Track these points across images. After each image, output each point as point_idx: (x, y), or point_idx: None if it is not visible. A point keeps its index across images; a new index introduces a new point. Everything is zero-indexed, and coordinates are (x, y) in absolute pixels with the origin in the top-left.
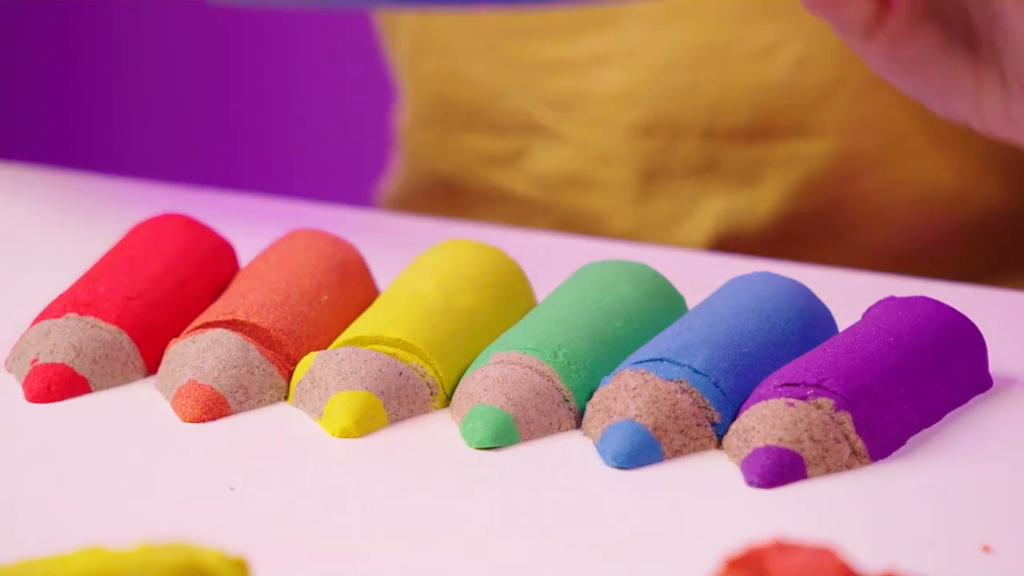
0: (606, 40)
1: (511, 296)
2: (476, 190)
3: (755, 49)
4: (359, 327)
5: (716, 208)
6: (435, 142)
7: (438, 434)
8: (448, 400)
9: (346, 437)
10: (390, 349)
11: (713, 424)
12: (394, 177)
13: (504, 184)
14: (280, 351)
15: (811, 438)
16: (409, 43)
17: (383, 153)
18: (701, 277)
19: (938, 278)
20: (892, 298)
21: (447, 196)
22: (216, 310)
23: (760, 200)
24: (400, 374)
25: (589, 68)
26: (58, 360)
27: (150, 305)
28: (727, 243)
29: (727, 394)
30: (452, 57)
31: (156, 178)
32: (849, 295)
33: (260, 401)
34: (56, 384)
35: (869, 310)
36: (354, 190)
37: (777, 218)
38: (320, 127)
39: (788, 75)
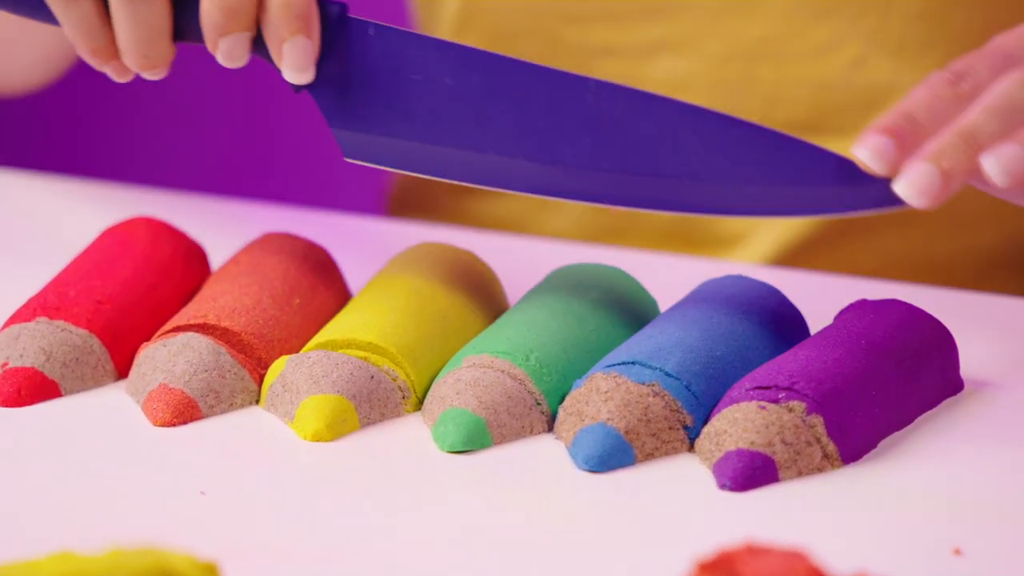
0: (661, 29)
1: (483, 299)
2: None
3: (812, 46)
4: (331, 331)
5: None
6: None
7: (410, 438)
8: (420, 404)
9: (318, 441)
10: (362, 353)
11: (685, 427)
12: None
13: None
14: (251, 355)
15: (783, 441)
16: (453, 23)
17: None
18: (673, 280)
19: (986, 289)
20: (864, 301)
21: None
22: (187, 314)
23: None
24: (372, 378)
25: (643, 55)
26: (28, 364)
27: (121, 309)
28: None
29: (699, 397)
30: (499, 39)
31: (127, 181)
32: (823, 299)
33: (231, 405)
34: (26, 388)
35: (841, 313)
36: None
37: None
38: (295, 128)
39: (844, 74)
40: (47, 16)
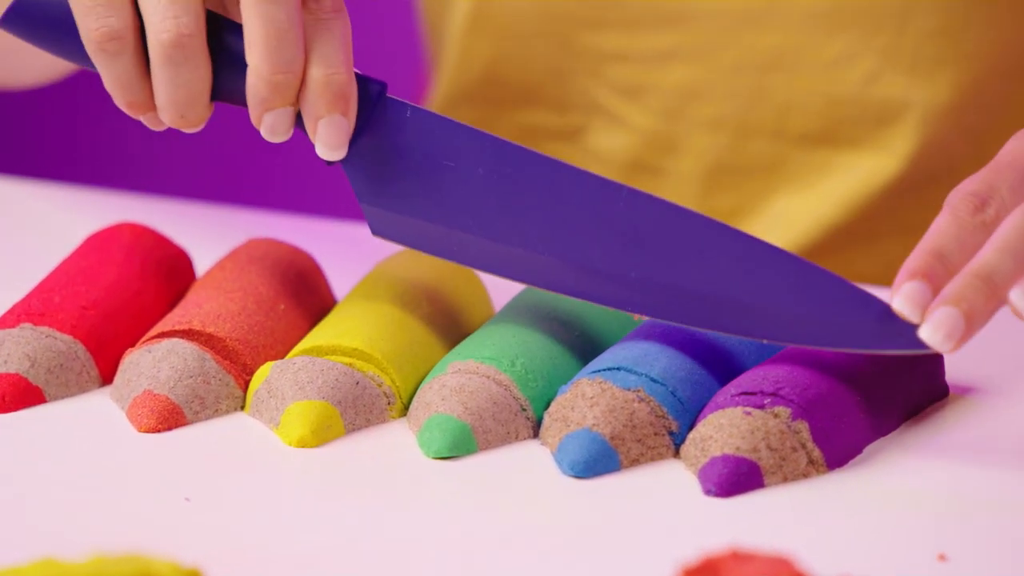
0: (674, 37)
1: (469, 305)
2: None
3: (826, 60)
4: (316, 336)
5: (778, 207)
6: (479, 117)
7: (395, 444)
8: (405, 409)
9: (303, 447)
10: (347, 359)
11: (671, 433)
12: None
13: (560, 155)
14: (236, 361)
15: (768, 447)
16: (464, 23)
17: None
18: None
19: None
20: None
21: None
22: (172, 319)
23: (818, 204)
24: (357, 383)
25: (655, 62)
26: (12, 370)
27: (105, 315)
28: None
29: (684, 403)
30: (511, 39)
31: (112, 186)
32: None
33: (216, 411)
34: (10, 394)
35: None
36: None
37: (830, 224)
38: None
39: (857, 89)
40: (86, 62)
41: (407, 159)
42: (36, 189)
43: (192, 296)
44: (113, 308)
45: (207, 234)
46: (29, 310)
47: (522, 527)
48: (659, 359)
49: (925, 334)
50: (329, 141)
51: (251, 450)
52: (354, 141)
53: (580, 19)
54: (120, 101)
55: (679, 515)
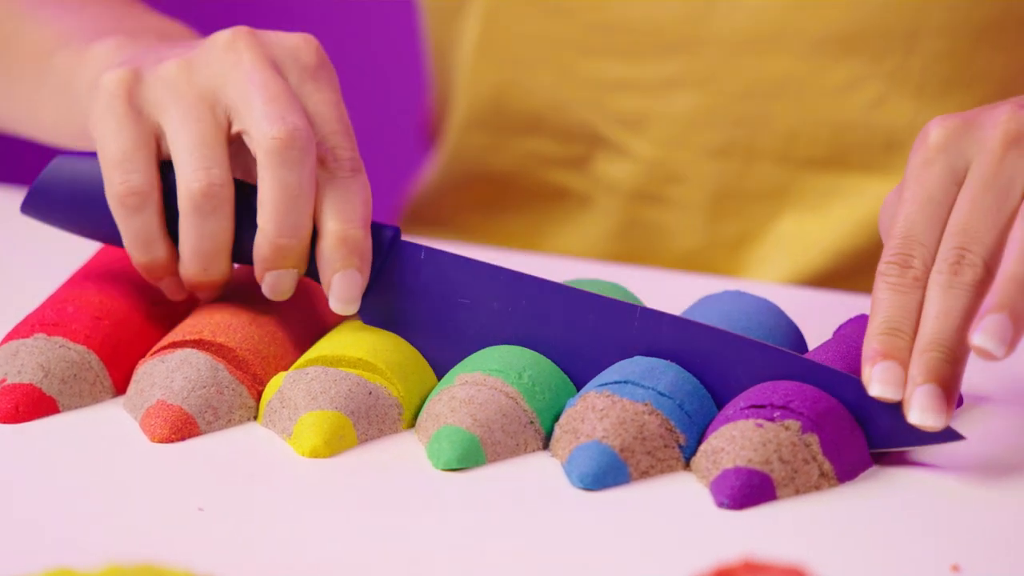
0: (678, 65)
1: None
2: (532, 187)
3: (833, 85)
4: (322, 347)
5: (785, 232)
6: (488, 143)
7: (405, 455)
8: (412, 420)
9: (315, 457)
10: (352, 369)
11: (680, 446)
12: (430, 173)
13: (564, 183)
14: (247, 370)
15: (780, 459)
16: (471, 49)
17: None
18: (673, 294)
19: None
20: (862, 316)
21: (496, 192)
22: (183, 329)
23: (826, 229)
24: (370, 394)
25: (659, 90)
26: (26, 380)
27: (119, 325)
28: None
29: (692, 416)
30: (517, 67)
31: None
32: (821, 314)
33: (229, 421)
34: (24, 404)
35: (839, 328)
36: None
37: (838, 249)
38: None
39: (864, 113)
40: (106, 237)
41: (422, 300)
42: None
43: (204, 306)
44: (126, 318)
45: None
46: (43, 320)
47: (532, 539)
48: (666, 373)
49: (915, 418)
50: (343, 295)
51: (264, 460)
52: (369, 287)
53: (584, 47)
54: (139, 260)
55: (691, 527)
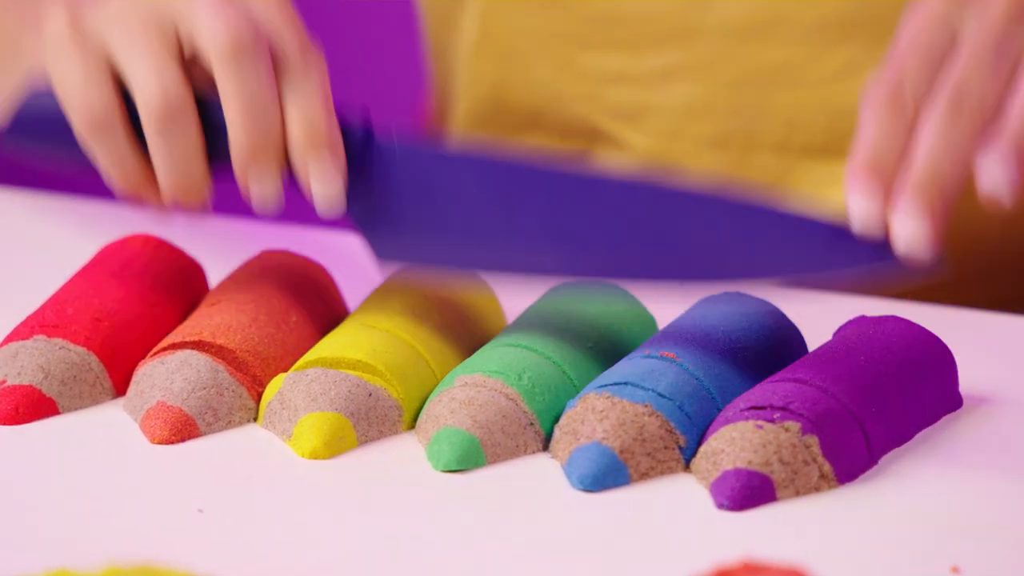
0: (675, 55)
1: (480, 316)
2: None
3: (829, 72)
4: (321, 349)
5: None
6: (488, 140)
7: (405, 456)
8: (412, 422)
9: (315, 459)
10: (352, 371)
11: (679, 447)
12: None
13: None
14: (247, 372)
15: (780, 460)
16: (470, 46)
17: None
18: (674, 297)
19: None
20: (863, 317)
21: None
22: (183, 331)
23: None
24: (370, 395)
25: (657, 81)
26: (26, 382)
27: (119, 326)
28: None
29: (692, 417)
30: (515, 63)
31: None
32: (821, 315)
33: (229, 423)
34: (24, 406)
35: (840, 330)
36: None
37: None
38: None
39: (861, 100)
40: (76, 162)
41: (403, 196)
42: (50, 201)
43: (204, 308)
44: (126, 320)
45: (220, 246)
46: (43, 322)
47: (532, 540)
48: (666, 375)
49: (898, 225)
50: (322, 189)
51: (263, 462)
52: (349, 188)
53: (581, 39)
54: (119, 182)
55: (691, 528)
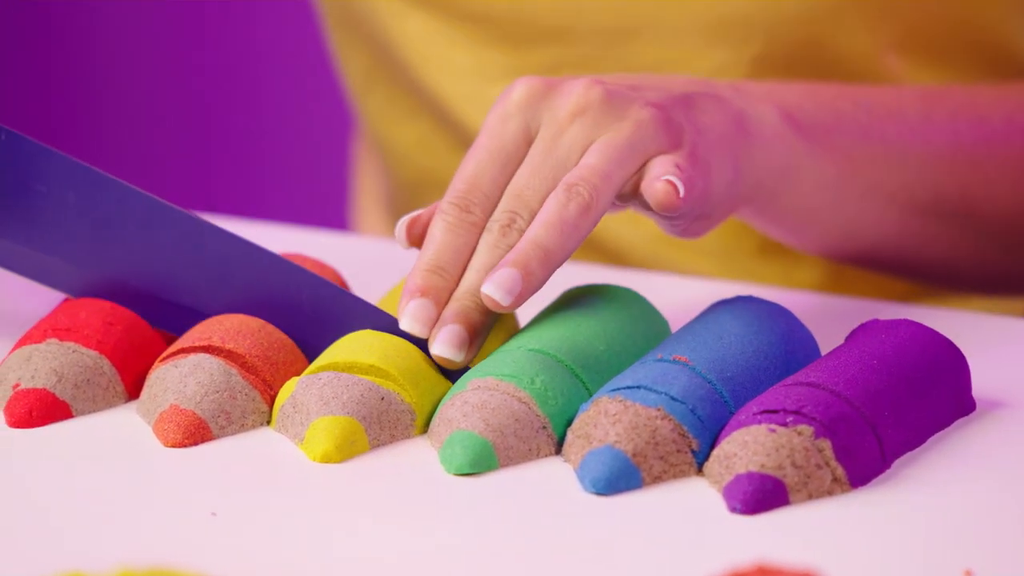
0: (555, 53)
1: (493, 319)
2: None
3: (704, 71)
4: (333, 353)
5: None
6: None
7: (417, 460)
8: (424, 426)
9: (327, 462)
10: (365, 375)
11: (692, 451)
12: (376, 186)
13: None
14: (258, 376)
15: (793, 464)
16: (366, 63)
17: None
18: (687, 300)
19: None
20: (876, 321)
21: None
22: (192, 336)
23: None
24: (382, 399)
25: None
26: (40, 385)
27: (130, 330)
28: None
29: (704, 421)
30: (410, 83)
31: None
32: (834, 319)
33: (242, 426)
34: (37, 409)
35: (852, 333)
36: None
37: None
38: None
39: None
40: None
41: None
42: None
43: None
44: (138, 323)
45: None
46: (56, 325)
47: (544, 544)
48: (678, 378)
49: (436, 351)
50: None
51: (276, 465)
52: None
53: (459, 39)
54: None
55: (704, 532)
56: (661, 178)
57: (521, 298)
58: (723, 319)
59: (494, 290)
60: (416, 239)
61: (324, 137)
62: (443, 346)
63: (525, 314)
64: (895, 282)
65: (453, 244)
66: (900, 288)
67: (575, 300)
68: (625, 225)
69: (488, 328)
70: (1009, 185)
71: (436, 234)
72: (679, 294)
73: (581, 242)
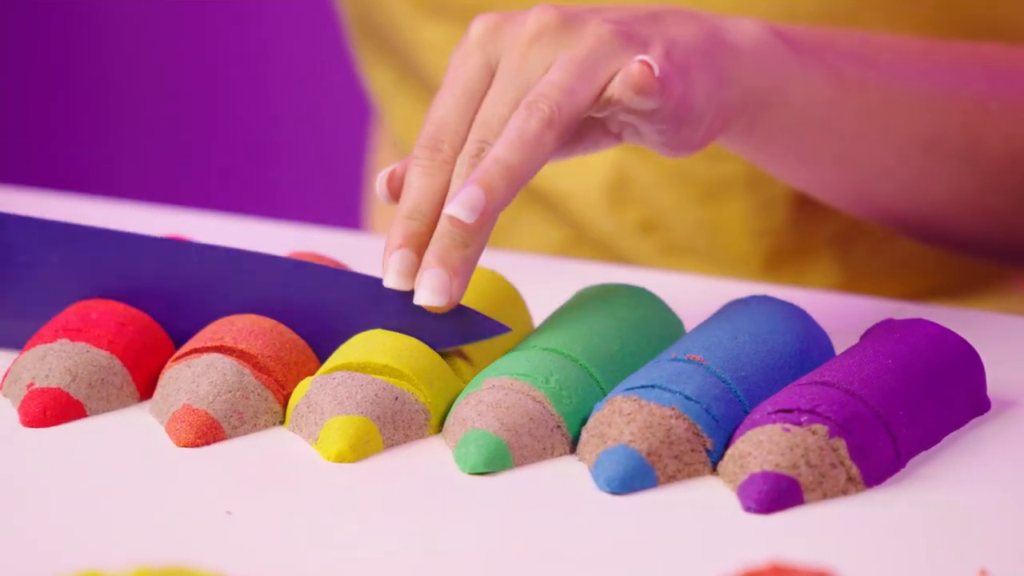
0: None
1: (507, 320)
2: None
3: None
4: (347, 353)
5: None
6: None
7: (432, 459)
8: (439, 425)
9: (341, 462)
10: (379, 375)
11: (706, 450)
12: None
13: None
14: (270, 376)
15: (808, 463)
16: (392, 75)
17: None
18: (701, 299)
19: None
20: (890, 320)
21: None
22: (204, 336)
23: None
24: (396, 399)
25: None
26: (54, 384)
27: (142, 331)
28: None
29: (719, 420)
30: (433, 91)
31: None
32: (849, 318)
33: (255, 426)
34: (52, 408)
35: (867, 332)
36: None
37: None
38: (321, 148)
39: None
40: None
41: None
42: (75, 204)
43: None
44: (149, 324)
45: (247, 248)
46: (67, 325)
47: (559, 543)
48: (693, 378)
49: (419, 299)
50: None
51: (289, 465)
52: None
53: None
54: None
55: (718, 531)
56: (635, 60)
57: (487, 215)
58: (737, 318)
59: (459, 209)
60: (396, 192)
61: (338, 136)
62: (425, 292)
63: (540, 314)
64: (909, 282)
65: (429, 186)
66: (915, 287)
67: (589, 300)
68: (636, 236)
69: (472, 264)
70: (1012, 124)
71: (412, 180)
72: (693, 294)
73: (547, 158)
